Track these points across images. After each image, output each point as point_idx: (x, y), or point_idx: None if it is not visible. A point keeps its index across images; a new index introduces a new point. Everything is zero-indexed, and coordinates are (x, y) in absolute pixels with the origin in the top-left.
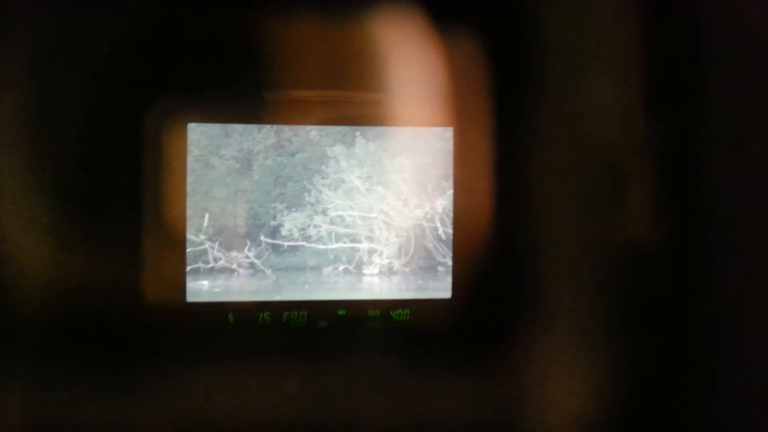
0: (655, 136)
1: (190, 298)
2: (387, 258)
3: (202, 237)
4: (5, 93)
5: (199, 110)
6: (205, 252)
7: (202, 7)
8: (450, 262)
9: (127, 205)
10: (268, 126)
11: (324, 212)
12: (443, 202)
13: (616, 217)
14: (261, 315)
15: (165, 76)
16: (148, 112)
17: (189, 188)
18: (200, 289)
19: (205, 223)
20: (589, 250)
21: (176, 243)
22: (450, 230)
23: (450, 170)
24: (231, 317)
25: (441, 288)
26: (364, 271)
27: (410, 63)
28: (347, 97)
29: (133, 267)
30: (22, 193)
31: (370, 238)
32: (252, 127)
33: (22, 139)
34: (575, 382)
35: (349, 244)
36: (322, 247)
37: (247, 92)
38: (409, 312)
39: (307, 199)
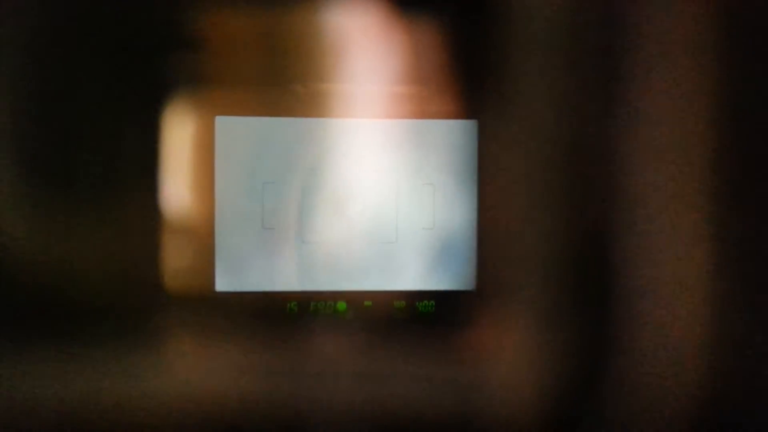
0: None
1: (219, 287)
2: (413, 250)
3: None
4: (30, 87)
5: (226, 103)
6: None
7: (232, 4)
8: (474, 255)
9: (156, 196)
10: (294, 118)
11: (352, 204)
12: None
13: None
14: (288, 305)
15: (193, 70)
16: (176, 105)
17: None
18: (229, 279)
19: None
20: (607, 244)
21: (205, 233)
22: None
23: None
24: (259, 306)
25: (466, 280)
26: (390, 263)
27: (433, 55)
28: (372, 90)
29: (162, 257)
30: (52, 185)
31: (397, 231)
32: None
33: (52, 133)
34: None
35: (376, 236)
36: (349, 239)
37: (276, 86)
38: (434, 303)
39: (336, 191)
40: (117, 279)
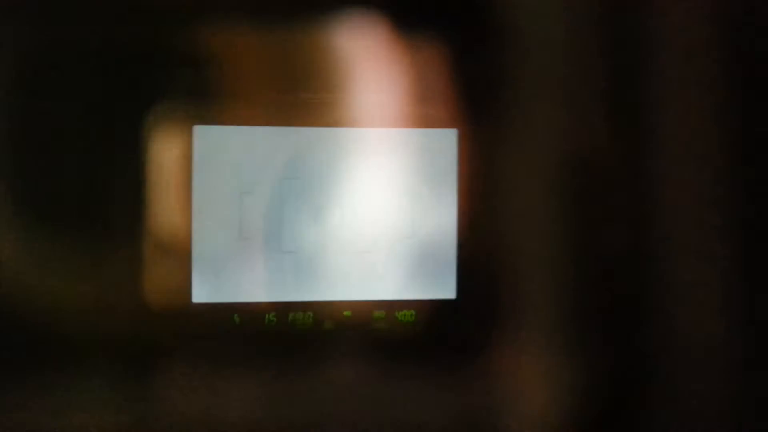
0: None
1: (196, 298)
2: (392, 259)
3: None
4: (8, 96)
5: (204, 112)
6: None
7: (208, 14)
8: (454, 263)
9: (133, 206)
10: (273, 127)
11: (330, 214)
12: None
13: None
14: (267, 316)
15: (171, 79)
16: (153, 115)
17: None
18: (206, 289)
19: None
20: (585, 253)
21: (182, 243)
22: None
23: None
24: (237, 318)
25: (446, 289)
26: (370, 272)
27: (413, 65)
28: (351, 99)
29: (138, 268)
30: (27, 195)
31: (376, 240)
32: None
33: (30, 142)
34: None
35: (355, 245)
36: (328, 248)
37: (254, 95)
38: (414, 313)
39: (315, 200)
40: (93, 290)
